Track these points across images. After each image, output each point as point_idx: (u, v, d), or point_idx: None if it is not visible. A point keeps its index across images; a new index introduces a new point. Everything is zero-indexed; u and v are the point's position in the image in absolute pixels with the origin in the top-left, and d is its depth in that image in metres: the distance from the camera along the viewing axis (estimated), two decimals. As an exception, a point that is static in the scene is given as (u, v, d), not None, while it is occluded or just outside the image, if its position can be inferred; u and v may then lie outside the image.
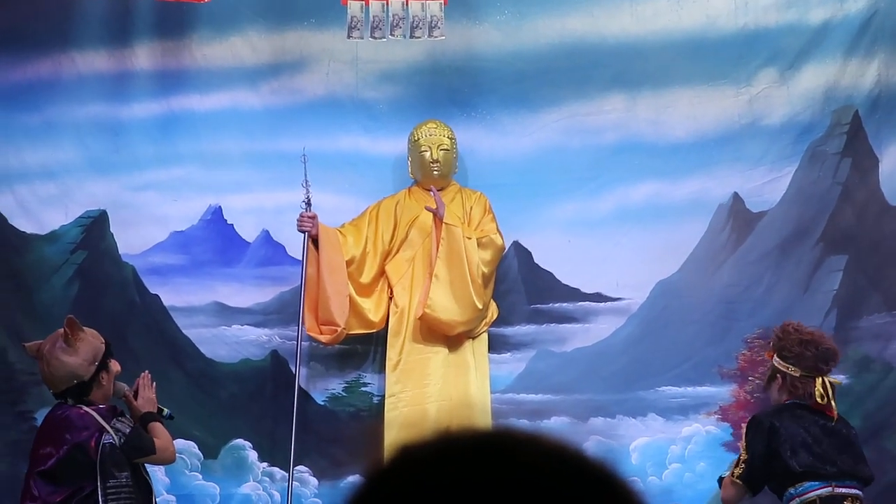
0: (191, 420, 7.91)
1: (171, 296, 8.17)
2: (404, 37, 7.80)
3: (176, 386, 7.92)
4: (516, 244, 8.17)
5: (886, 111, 8.08)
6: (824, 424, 6.17)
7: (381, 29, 7.78)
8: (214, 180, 8.20)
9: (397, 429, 7.59)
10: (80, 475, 5.84)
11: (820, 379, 6.18)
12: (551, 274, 8.17)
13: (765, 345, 7.84)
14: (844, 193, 8.09)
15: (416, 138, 8.00)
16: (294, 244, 8.01)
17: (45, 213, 8.19)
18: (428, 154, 7.96)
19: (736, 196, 8.13)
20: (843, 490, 6.13)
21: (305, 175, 7.80)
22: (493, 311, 7.96)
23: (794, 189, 8.11)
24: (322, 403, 8.10)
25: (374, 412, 7.96)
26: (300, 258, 7.86)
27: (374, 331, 7.98)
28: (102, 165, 8.21)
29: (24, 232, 8.17)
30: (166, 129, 8.24)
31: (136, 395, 6.17)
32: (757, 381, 7.92)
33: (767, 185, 8.11)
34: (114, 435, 5.86)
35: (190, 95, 8.26)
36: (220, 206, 8.23)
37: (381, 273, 7.99)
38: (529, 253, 8.19)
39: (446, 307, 7.70)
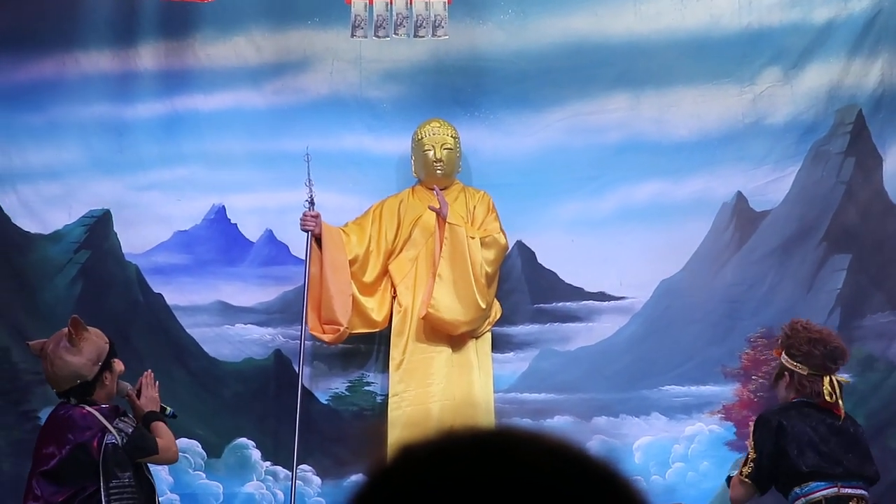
0: (194, 419, 7.92)
1: (175, 295, 8.17)
2: (408, 36, 7.80)
3: (179, 385, 7.92)
4: (519, 243, 8.17)
5: (890, 111, 8.07)
6: (831, 423, 6.16)
7: (384, 28, 7.78)
8: (218, 180, 8.20)
9: (400, 428, 7.59)
10: (82, 475, 5.84)
11: (828, 377, 6.17)
12: (554, 273, 8.17)
13: (768, 344, 7.86)
14: (848, 193, 8.09)
15: (419, 137, 8.00)
16: (297, 244, 8.01)
17: (48, 212, 8.19)
18: (431, 153, 7.96)
19: (739, 195, 8.13)
20: (849, 490, 6.12)
21: (309, 174, 7.80)
22: (496, 311, 7.96)
23: (797, 188, 8.10)
24: (325, 403, 8.11)
25: (378, 411, 7.96)
26: (303, 258, 7.86)
27: (378, 330, 7.98)
28: (106, 165, 8.21)
29: (27, 231, 8.18)
30: (170, 128, 8.25)
31: (139, 395, 6.17)
32: (760, 381, 7.93)
33: (771, 184, 8.11)
34: (116, 435, 5.86)
35: (193, 95, 8.26)
36: (223, 206, 8.24)
37: (385, 272, 7.99)
38: (533, 252, 8.19)
39: (450, 307, 7.70)
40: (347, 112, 8.23)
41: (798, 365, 6.19)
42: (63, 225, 8.19)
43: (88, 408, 5.90)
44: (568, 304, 8.14)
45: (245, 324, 8.16)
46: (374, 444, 7.19)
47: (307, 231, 7.82)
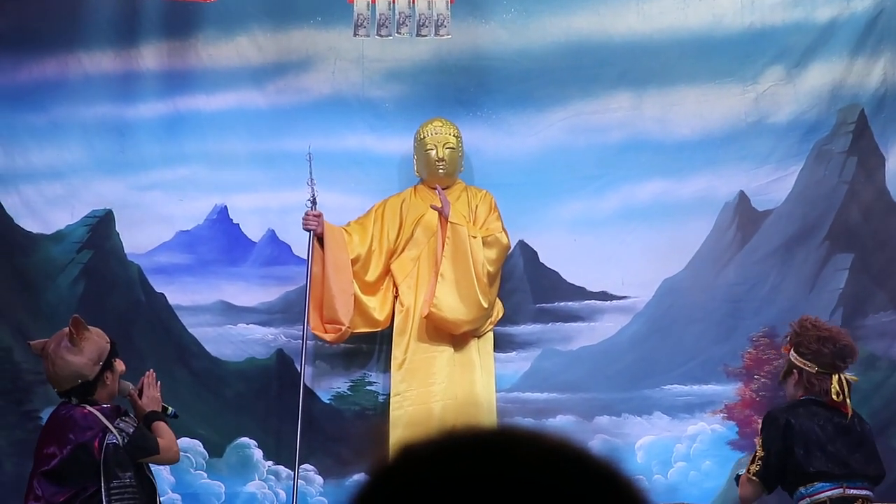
0: (196, 418, 7.92)
1: (177, 295, 8.17)
2: (410, 35, 7.80)
3: (181, 384, 7.93)
4: (522, 243, 8.17)
5: (892, 110, 8.07)
6: (839, 422, 6.15)
7: (387, 27, 7.78)
8: (220, 180, 8.21)
9: (402, 427, 7.59)
10: (83, 475, 5.84)
11: (836, 376, 6.16)
12: (557, 273, 8.17)
13: (770, 343, 7.86)
14: (850, 192, 8.09)
15: (421, 137, 8.00)
16: (299, 244, 8.01)
17: (51, 212, 8.20)
18: (433, 153, 7.96)
19: (742, 194, 8.12)
20: (854, 491, 6.11)
21: (311, 173, 7.81)
22: (498, 310, 7.96)
23: (799, 188, 8.10)
24: (327, 402, 8.11)
25: (380, 411, 7.96)
26: (305, 258, 7.86)
27: (380, 329, 7.98)
28: (108, 165, 8.22)
29: (30, 232, 8.18)
30: (172, 128, 8.25)
31: (140, 394, 6.17)
32: (763, 380, 7.93)
33: (773, 183, 8.10)
34: (117, 435, 5.86)
35: (196, 95, 8.26)
36: (225, 206, 8.24)
37: (387, 272, 8.00)
38: (535, 252, 8.19)
39: (452, 306, 7.70)
40: (350, 111, 8.23)
41: (807, 363, 6.17)
42: (65, 225, 8.19)
43: (90, 408, 5.90)
44: (570, 303, 8.14)
45: (247, 323, 8.16)
46: (375, 444, 7.18)
47: (309, 230, 7.82)
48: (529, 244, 8.19)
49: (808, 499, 6.09)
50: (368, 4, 7.78)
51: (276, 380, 8.12)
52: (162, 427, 6.09)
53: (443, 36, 7.81)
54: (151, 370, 6.31)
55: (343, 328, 7.80)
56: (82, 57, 8.24)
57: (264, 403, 8.09)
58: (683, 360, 8.05)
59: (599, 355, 8.09)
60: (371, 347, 8.11)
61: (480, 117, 8.22)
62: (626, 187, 8.16)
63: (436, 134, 7.98)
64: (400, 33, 7.80)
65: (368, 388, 8.11)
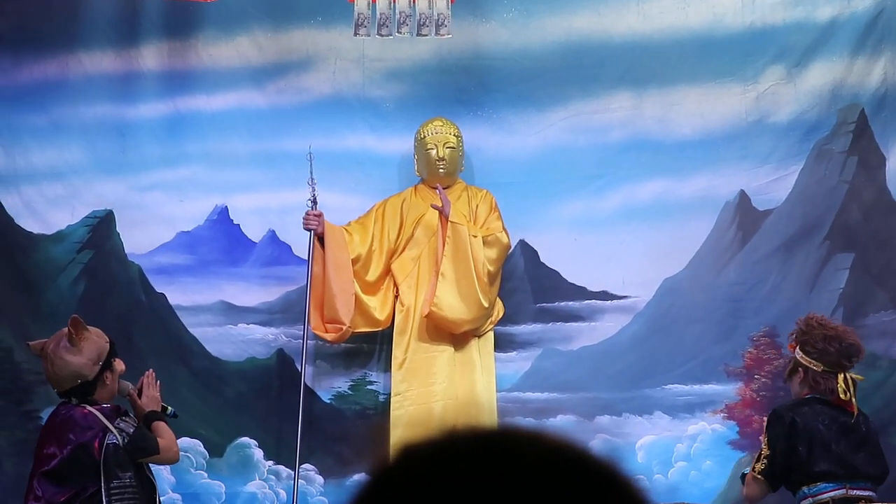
0: (197, 418, 7.92)
1: (178, 295, 8.18)
2: (411, 34, 7.80)
3: (182, 384, 7.93)
4: (522, 242, 8.17)
5: (892, 110, 8.07)
6: (844, 421, 6.14)
7: (387, 26, 7.78)
8: (221, 180, 8.21)
9: (403, 427, 7.59)
10: (83, 475, 5.84)
11: (842, 375, 6.15)
12: (557, 272, 8.17)
13: (771, 343, 7.86)
14: (851, 192, 8.09)
15: (421, 136, 8.00)
16: (300, 244, 8.01)
17: (51, 213, 8.20)
18: (434, 152, 7.96)
19: (742, 194, 8.12)
20: (857, 492, 6.11)
21: (311, 173, 7.81)
22: (498, 310, 7.97)
23: (800, 187, 8.10)
24: (328, 402, 8.11)
25: (380, 411, 7.96)
26: (306, 258, 7.86)
27: (380, 329, 7.98)
28: (109, 166, 8.22)
29: (30, 232, 8.18)
30: (173, 129, 8.25)
31: (140, 394, 6.17)
32: (763, 380, 7.93)
33: (774, 183, 8.10)
34: (117, 435, 5.86)
35: (196, 95, 8.26)
36: (226, 207, 8.24)
37: (387, 271, 8.00)
38: (535, 251, 8.19)
39: (452, 305, 7.70)
40: (350, 111, 8.23)
41: (813, 361, 6.16)
42: (66, 225, 8.20)
43: (89, 408, 5.90)
44: (571, 303, 8.14)
45: (248, 323, 8.16)
46: (376, 444, 7.18)
47: (310, 230, 7.83)
48: (530, 244, 8.19)
49: (810, 499, 6.09)
50: (369, 4, 7.78)
51: (277, 379, 8.12)
52: (162, 427, 6.09)
53: (443, 35, 7.81)
54: (151, 370, 6.31)
55: (344, 328, 7.80)
56: (83, 57, 8.24)
57: (265, 403, 8.10)
58: (684, 359, 8.05)
59: (600, 355, 8.09)
60: (371, 347, 8.12)
61: (481, 117, 8.23)
62: (627, 187, 8.16)
63: (436, 133, 7.98)
64: (400, 33, 7.80)
65: (369, 387, 8.11)
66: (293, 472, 7.70)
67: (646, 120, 8.17)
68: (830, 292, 8.02)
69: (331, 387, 8.12)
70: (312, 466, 7.96)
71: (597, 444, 7.77)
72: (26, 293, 8.14)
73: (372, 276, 7.95)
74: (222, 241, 8.23)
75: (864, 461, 6.13)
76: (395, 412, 7.73)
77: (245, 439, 8.05)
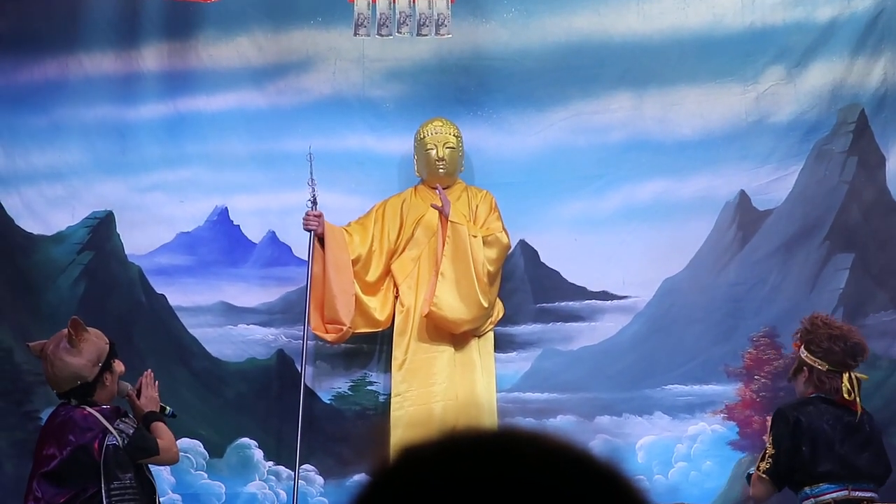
0: (197, 419, 7.92)
1: (178, 296, 8.18)
2: (411, 34, 7.80)
3: (182, 385, 7.93)
4: (522, 243, 8.17)
5: (892, 110, 8.07)
6: (849, 421, 6.13)
7: (387, 26, 7.78)
8: (221, 181, 8.21)
9: (403, 428, 7.59)
10: (83, 476, 5.84)
11: (847, 374, 6.15)
12: (557, 272, 8.17)
13: (771, 343, 7.86)
14: (851, 192, 8.09)
15: (421, 136, 8.00)
16: (300, 245, 8.01)
17: (51, 214, 8.20)
18: (434, 152, 7.96)
19: (742, 194, 8.13)
20: (859, 493, 6.10)
21: (311, 174, 7.81)
22: (498, 310, 7.97)
23: (800, 187, 8.10)
24: (328, 402, 8.11)
25: (380, 411, 7.96)
26: (306, 259, 7.86)
27: (380, 330, 7.98)
28: (109, 167, 8.22)
29: (30, 233, 8.19)
30: (173, 130, 8.25)
31: (138, 395, 6.17)
32: (763, 380, 7.93)
33: (774, 183, 8.10)
34: (117, 436, 5.85)
35: (196, 96, 8.27)
36: (226, 208, 8.25)
37: (387, 272, 8.00)
38: (535, 251, 8.19)
39: (452, 305, 7.70)
40: (350, 112, 8.24)
41: (817, 361, 6.15)
42: (66, 226, 8.20)
43: (89, 409, 5.90)
44: (571, 303, 8.14)
45: (248, 324, 8.17)
46: (376, 444, 7.19)
47: (310, 230, 7.83)
48: (530, 244, 8.19)
49: (812, 499, 6.08)
50: (369, 4, 7.78)
51: (277, 380, 8.12)
52: (161, 428, 6.09)
53: (443, 35, 7.81)
54: (149, 370, 6.31)
55: (344, 328, 7.81)
56: (83, 58, 8.25)
57: (265, 404, 8.10)
58: (684, 359, 8.05)
59: (600, 355, 8.09)
60: (372, 347, 8.12)
61: (481, 117, 8.23)
62: (627, 187, 8.16)
63: (436, 133, 7.98)
64: (400, 33, 7.80)
65: (369, 388, 8.11)
66: (293, 473, 7.70)
67: (646, 120, 8.18)
68: (830, 292, 8.02)
69: (331, 387, 8.12)
70: (312, 467, 7.96)
71: (597, 444, 7.77)
72: (26, 294, 8.14)
73: (372, 276, 7.95)
74: (222, 242, 8.24)
75: (868, 461, 6.13)
76: (396, 413, 7.73)
77: (245, 440, 8.05)
